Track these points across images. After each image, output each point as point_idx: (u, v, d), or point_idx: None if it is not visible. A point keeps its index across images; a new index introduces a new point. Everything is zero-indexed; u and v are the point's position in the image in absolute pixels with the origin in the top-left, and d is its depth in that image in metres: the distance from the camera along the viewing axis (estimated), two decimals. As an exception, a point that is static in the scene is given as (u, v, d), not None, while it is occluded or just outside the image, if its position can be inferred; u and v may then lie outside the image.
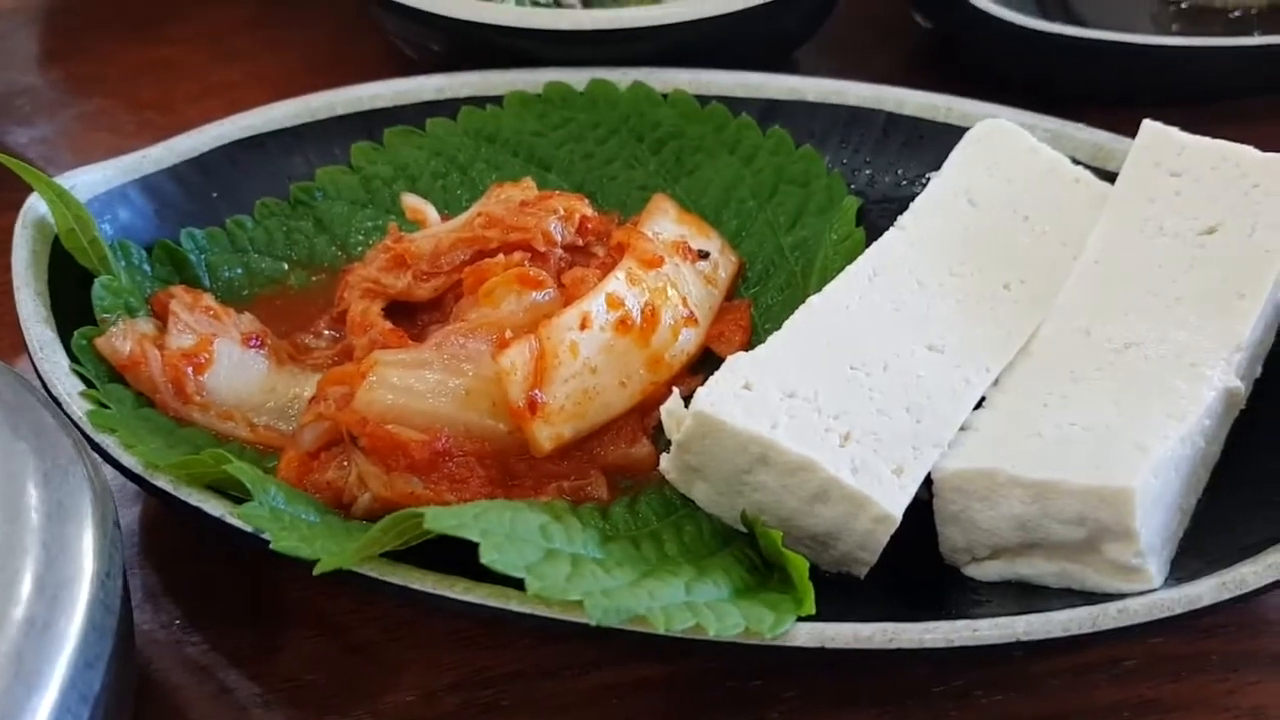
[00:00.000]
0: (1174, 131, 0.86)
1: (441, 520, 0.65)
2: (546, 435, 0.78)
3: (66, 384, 0.78)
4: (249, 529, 0.70)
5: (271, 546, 0.68)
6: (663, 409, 0.76)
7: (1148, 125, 0.87)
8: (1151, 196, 0.84)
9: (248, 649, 0.76)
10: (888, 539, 0.70)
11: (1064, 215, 0.86)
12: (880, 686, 0.75)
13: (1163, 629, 0.68)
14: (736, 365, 0.74)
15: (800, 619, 0.66)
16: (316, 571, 0.66)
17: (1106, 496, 0.68)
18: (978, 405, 0.76)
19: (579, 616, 0.64)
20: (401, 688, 0.74)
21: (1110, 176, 0.88)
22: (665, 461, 0.75)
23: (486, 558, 0.63)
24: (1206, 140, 0.85)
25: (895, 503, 0.70)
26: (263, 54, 1.29)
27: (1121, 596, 0.68)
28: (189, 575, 0.82)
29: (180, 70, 1.26)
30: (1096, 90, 1.09)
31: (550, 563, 0.66)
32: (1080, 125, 0.94)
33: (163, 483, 0.73)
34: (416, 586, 0.68)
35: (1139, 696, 0.74)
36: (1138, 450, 0.70)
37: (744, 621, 0.65)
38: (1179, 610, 0.66)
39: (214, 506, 0.72)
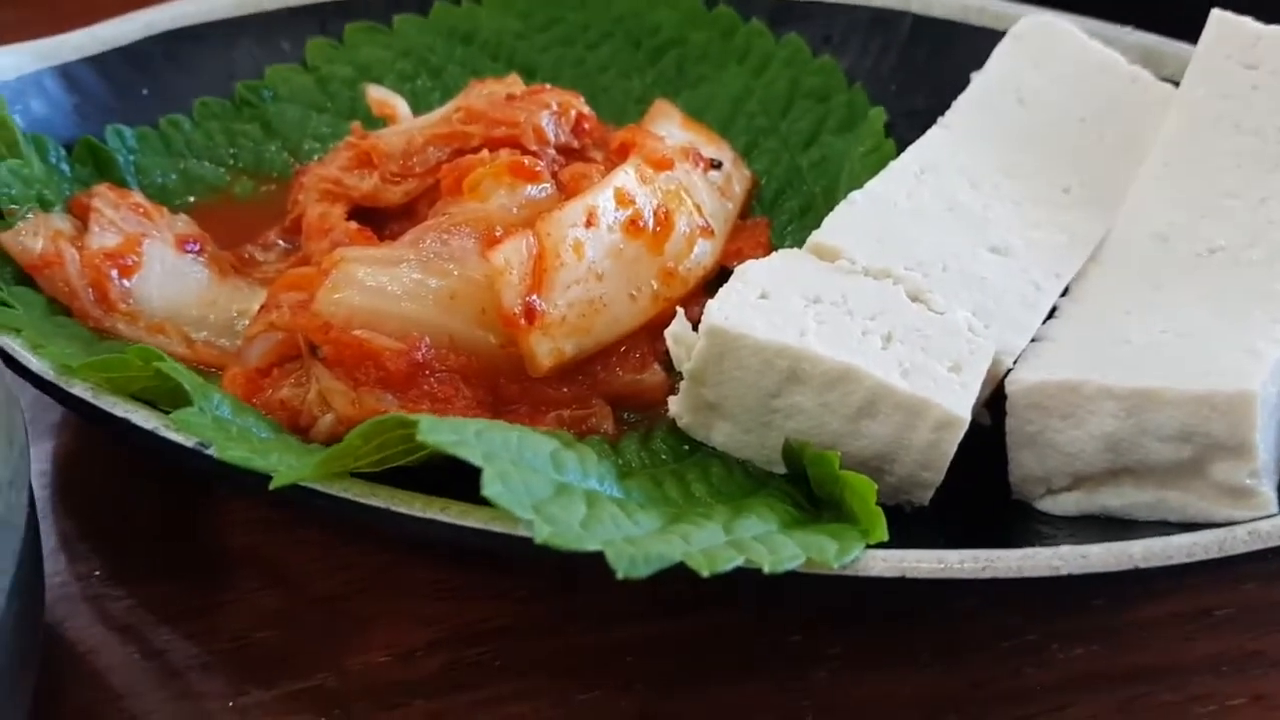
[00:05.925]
0: (1247, 21, 0.77)
1: (439, 432, 0.53)
2: (546, 350, 0.67)
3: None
4: (189, 443, 0.57)
5: (216, 455, 0.56)
6: (668, 333, 0.66)
7: (1217, 15, 0.78)
8: (1225, 92, 0.76)
9: (184, 604, 0.66)
10: (955, 448, 0.61)
11: (1123, 116, 0.78)
12: (940, 641, 0.65)
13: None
14: (749, 274, 0.65)
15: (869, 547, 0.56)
16: (274, 485, 0.54)
17: (1220, 404, 0.59)
18: (1048, 316, 0.68)
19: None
20: (372, 646, 0.64)
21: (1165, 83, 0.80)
22: (676, 404, 0.65)
23: (490, 489, 0.51)
24: (1285, 29, 0.76)
25: (959, 402, 0.61)
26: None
27: (1230, 525, 0.59)
28: (112, 519, 0.71)
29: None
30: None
31: (562, 501, 0.55)
32: (1128, 28, 0.85)
33: (80, 390, 0.61)
34: (402, 510, 0.56)
35: (1240, 649, 0.65)
36: (1249, 355, 0.61)
37: (802, 552, 0.54)
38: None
39: (144, 417, 0.60)
